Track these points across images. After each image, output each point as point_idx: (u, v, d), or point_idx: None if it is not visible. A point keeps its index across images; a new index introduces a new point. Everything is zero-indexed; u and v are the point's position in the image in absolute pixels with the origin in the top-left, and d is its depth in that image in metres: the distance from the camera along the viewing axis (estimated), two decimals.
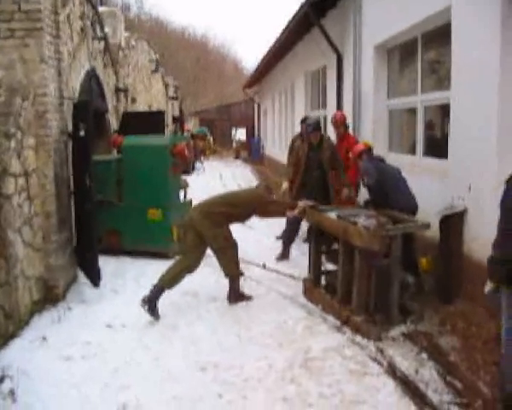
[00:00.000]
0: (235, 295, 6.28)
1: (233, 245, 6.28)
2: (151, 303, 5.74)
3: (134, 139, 8.57)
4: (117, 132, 9.96)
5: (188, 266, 6.06)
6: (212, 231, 6.09)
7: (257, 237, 9.49)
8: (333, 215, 5.89)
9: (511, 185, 3.58)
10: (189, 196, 9.83)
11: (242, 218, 6.45)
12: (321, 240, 6.42)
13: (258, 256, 8.07)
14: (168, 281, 5.95)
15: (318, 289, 6.30)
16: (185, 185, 9.90)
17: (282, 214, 6.69)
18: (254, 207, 6.32)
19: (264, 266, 7.65)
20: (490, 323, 5.00)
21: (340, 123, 8.68)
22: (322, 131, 8.48)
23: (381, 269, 5.34)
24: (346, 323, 5.41)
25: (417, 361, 4.64)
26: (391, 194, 6.23)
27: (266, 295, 6.47)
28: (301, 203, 6.50)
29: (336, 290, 5.82)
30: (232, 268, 6.27)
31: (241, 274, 6.44)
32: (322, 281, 6.44)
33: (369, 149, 6.85)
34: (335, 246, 6.33)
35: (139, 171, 8.02)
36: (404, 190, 6.30)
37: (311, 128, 7.98)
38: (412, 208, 6.17)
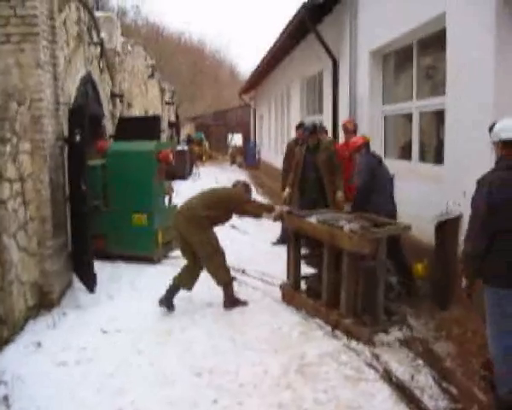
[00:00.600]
0: (230, 301, 6.26)
1: (220, 251, 6.27)
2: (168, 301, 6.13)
3: (119, 145, 8.71)
4: (103, 138, 9.94)
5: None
6: (197, 236, 6.11)
7: (252, 242, 9.49)
8: (313, 220, 5.91)
9: (481, 186, 3.80)
10: (177, 201, 9.84)
11: (224, 219, 6.46)
12: (302, 245, 6.52)
13: (253, 261, 8.08)
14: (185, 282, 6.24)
15: (299, 293, 6.34)
16: (170, 191, 9.87)
17: (258, 216, 6.62)
18: (233, 206, 6.35)
19: (243, 272, 7.67)
20: (485, 329, 5.01)
21: (350, 130, 8.52)
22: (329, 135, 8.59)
23: (369, 271, 5.40)
24: (336, 327, 5.45)
25: (413, 367, 4.64)
26: (373, 196, 6.35)
27: (261, 301, 6.46)
28: (278, 208, 6.56)
29: (320, 294, 5.87)
30: (222, 275, 6.26)
31: (233, 279, 6.45)
32: (302, 286, 6.46)
33: (367, 144, 6.86)
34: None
35: (124, 176, 8.12)
36: (386, 197, 6.41)
37: (308, 132, 8.09)
38: (390, 214, 6.23)
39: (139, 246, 8.12)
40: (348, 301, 5.44)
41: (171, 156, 8.73)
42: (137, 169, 8.12)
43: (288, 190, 8.15)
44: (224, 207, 6.33)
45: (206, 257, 6.18)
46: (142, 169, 8.15)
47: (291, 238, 6.47)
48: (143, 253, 8.14)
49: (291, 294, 6.36)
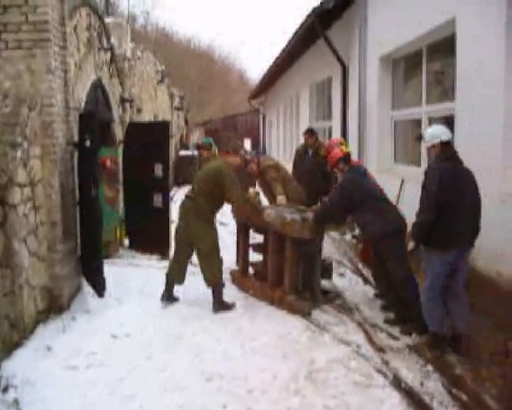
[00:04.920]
0: (219, 303, 6.34)
1: (219, 251, 6.45)
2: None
3: None
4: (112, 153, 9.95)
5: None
6: (203, 230, 6.32)
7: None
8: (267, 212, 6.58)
9: (431, 174, 4.92)
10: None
11: (222, 202, 6.53)
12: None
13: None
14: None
15: (247, 277, 7.25)
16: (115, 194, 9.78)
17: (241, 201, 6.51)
18: (222, 182, 6.28)
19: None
20: (496, 335, 4.98)
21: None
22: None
23: (308, 254, 6.40)
24: (280, 302, 6.30)
25: (422, 373, 4.62)
26: (358, 216, 5.99)
27: (270, 305, 6.46)
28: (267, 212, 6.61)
29: (265, 277, 6.76)
30: (215, 275, 6.36)
31: (223, 284, 6.52)
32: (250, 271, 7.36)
33: (346, 156, 6.19)
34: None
35: None
36: (373, 214, 5.76)
37: (304, 132, 8.35)
38: (383, 231, 5.71)
39: None
40: (291, 280, 6.34)
41: (108, 162, 8.89)
42: None
43: (282, 197, 7.68)
44: (215, 187, 6.31)
45: (205, 252, 6.31)
46: None
47: (241, 229, 7.32)
48: None
49: (240, 278, 7.25)
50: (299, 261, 6.41)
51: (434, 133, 5.08)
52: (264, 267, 6.93)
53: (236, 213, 7.19)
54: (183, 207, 6.52)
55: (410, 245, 5.11)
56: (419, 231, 4.96)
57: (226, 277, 7.05)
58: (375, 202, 5.85)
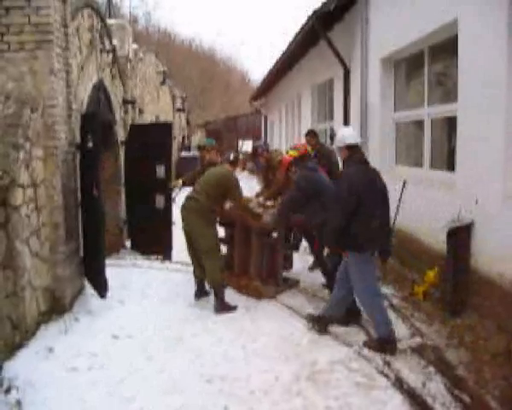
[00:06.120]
0: (221, 305, 6.35)
1: (220, 250, 6.62)
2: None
3: None
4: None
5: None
6: (204, 229, 6.38)
7: None
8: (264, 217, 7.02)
9: (342, 179, 5.28)
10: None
11: (221, 204, 6.79)
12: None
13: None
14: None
15: None
16: None
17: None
18: (227, 189, 6.56)
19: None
20: (498, 336, 4.98)
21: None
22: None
23: (271, 245, 7.07)
24: (247, 288, 6.93)
25: (424, 375, 4.62)
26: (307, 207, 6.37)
27: (271, 306, 6.46)
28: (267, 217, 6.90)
29: (232, 267, 7.32)
30: (217, 275, 6.41)
31: (225, 285, 6.57)
32: None
33: (298, 158, 6.58)
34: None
35: None
36: (316, 207, 6.24)
37: (306, 133, 8.42)
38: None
39: None
40: (256, 268, 7.02)
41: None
42: None
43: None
44: (221, 191, 6.54)
45: (207, 252, 6.38)
46: None
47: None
48: None
49: None
50: (263, 251, 7.06)
51: (341, 136, 5.41)
52: (230, 258, 7.50)
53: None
54: (184, 208, 6.53)
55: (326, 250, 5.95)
56: (331, 237, 5.31)
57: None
58: (325, 195, 6.17)
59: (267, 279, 7.06)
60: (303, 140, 10.93)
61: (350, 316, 5.79)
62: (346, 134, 5.41)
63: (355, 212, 5.05)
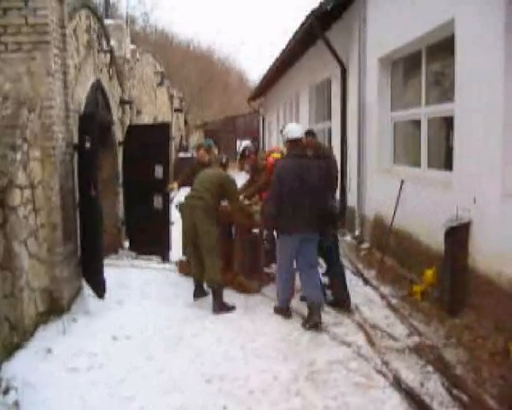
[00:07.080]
0: (220, 305, 6.35)
1: (218, 249, 6.57)
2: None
3: None
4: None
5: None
6: (208, 226, 6.42)
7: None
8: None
9: (276, 170, 5.92)
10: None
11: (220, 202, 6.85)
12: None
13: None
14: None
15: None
16: None
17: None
18: (226, 190, 6.69)
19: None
20: (496, 335, 4.99)
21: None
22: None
23: (253, 242, 7.38)
24: (232, 282, 7.08)
25: (423, 374, 4.62)
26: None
27: (270, 307, 6.46)
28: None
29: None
30: (217, 273, 6.42)
31: (223, 285, 6.56)
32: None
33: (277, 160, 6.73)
34: None
35: None
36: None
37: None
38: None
39: None
40: (240, 263, 7.29)
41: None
42: None
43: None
44: (221, 191, 6.65)
45: (209, 249, 6.41)
46: None
47: None
48: None
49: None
50: (246, 248, 7.37)
51: (286, 131, 6.00)
52: None
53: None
54: (187, 206, 6.54)
55: (265, 232, 6.83)
56: (265, 219, 6.14)
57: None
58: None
59: (251, 274, 7.26)
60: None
61: (338, 304, 6.37)
62: (290, 129, 6.01)
63: (281, 200, 5.71)
